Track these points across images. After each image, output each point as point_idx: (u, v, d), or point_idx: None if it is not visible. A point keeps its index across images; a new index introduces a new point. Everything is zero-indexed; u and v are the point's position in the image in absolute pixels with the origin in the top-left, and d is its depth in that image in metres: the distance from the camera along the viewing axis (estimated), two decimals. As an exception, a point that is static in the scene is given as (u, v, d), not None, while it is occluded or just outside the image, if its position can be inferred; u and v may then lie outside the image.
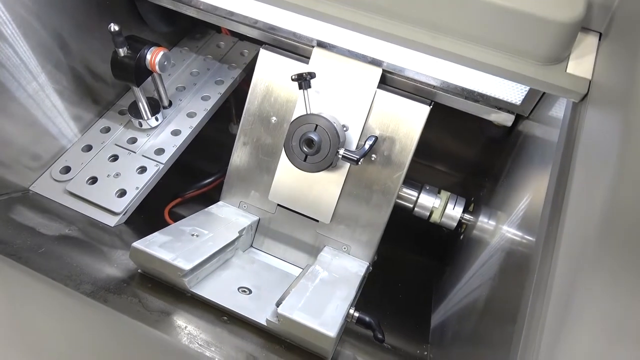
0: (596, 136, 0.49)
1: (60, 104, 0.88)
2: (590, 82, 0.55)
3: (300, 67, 0.82)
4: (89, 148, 0.90)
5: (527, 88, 0.71)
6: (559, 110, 0.62)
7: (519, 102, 0.73)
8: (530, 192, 0.62)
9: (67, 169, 0.87)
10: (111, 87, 0.97)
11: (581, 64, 0.57)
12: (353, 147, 0.81)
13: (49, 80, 0.84)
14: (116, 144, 0.91)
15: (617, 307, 0.37)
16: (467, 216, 0.89)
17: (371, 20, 0.60)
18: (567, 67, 0.57)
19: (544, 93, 0.70)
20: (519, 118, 0.78)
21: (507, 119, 0.78)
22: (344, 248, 0.85)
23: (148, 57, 0.83)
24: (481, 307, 0.65)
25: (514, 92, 0.73)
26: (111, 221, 0.82)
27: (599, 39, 0.59)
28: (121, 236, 0.81)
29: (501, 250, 0.65)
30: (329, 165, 0.76)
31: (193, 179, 1.01)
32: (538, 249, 0.48)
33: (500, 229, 0.69)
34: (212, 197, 0.96)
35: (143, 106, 0.90)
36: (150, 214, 0.91)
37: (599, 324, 0.38)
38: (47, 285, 0.55)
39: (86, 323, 0.54)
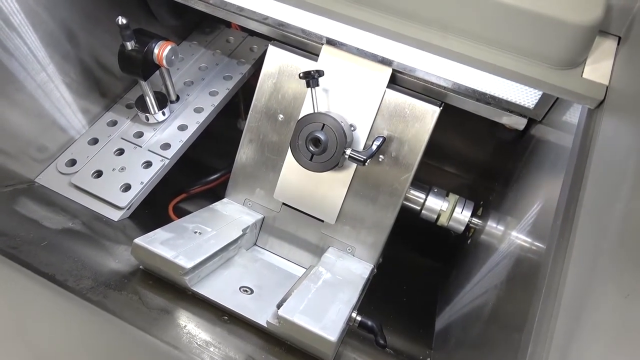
0: (612, 144, 0.47)
1: (69, 96, 0.87)
2: (607, 87, 0.53)
3: (309, 65, 0.80)
4: (95, 141, 0.90)
5: (541, 92, 0.69)
6: (573, 115, 0.60)
7: (532, 106, 0.71)
8: (542, 198, 0.61)
9: (72, 162, 0.86)
10: (119, 81, 0.97)
11: (598, 68, 0.55)
12: (360, 147, 0.79)
13: (57, 71, 0.84)
14: (122, 138, 0.90)
15: (632, 321, 0.36)
16: (475, 220, 0.87)
17: (381, 19, 0.59)
18: (583, 71, 0.55)
19: (558, 97, 0.68)
20: (531, 122, 0.76)
21: (519, 123, 0.76)
22: (349, 249, 0.84)
23: (155, 51, 0.83)
24: (487, 313, 0.64)
25: (527, 96, 0.71)
26: (115, 215, 0.81)
27: (618, 43, 0.57)
28: (125, 231, 0.81)
29: (510, 256, 0.63)
30: (335, 165, 0.75)
31: (200, 175, 1.01)
32: (548, 256, 0.47)
33: (509, 235, 0.67)
34: (217, 193, 0.95)
35: (150, 100, 0.89)
36: (155, 209, 0.91)
37: (612, 337, 0.36)
38: (43, 286, 0.55)
39: (82, 327, 0.53)
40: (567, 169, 0.52)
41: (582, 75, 0.54)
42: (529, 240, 0.58)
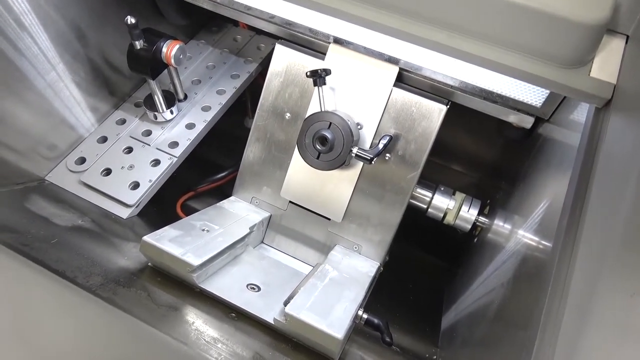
0: (619, 144, 0.47)
1: (78, 94, 0.88)
2: (614, 86, 0.53)
3: (316, 63, 0.81)
4: (104, 139, 0.91)
5: (548, 90, 0.69)
6: (581, 113, 0.60)
7: (539, 105, 0.71)
8: (548, 197, 0.61)
9: (82, 160, 0.87)
10: (128, 79, 0.98)
11: (606, 67, 0.54)
12: (367, 146, 0.80)
13: (67, 70, 0.85)
14: (131, 136, 0.91)
15: (638, 320, 0.36)
16: (481, 219, 0.87)
17: (388, 18, 0.59)
18: (590, 70, 0.54)
19: (565, 96, 0.68)
20: (539, 120, 0.76)
21: (526, 121, 0.76)
22: (355, 247, 0.84)
23: (164, 50, 0.83)
24: (493, 311, 0.64)
25: (534, 94, 0.71)
26: (124, 213, 0.82)
27: (626, 42, 0.57)
28: (133, 228, 0.81)
29: (516, 255, 0.63)
30: (342, 163, 0.75)
31: (207, 173, 1.01)
32: (555, 255, 0.47)
33: (516, 234, 0.67)
34: (225, 191, 0.95)
35: (158, 99, 0.90)
36: (163, 206, 0.92)
37: (618, 335, 0.36)
38: (53, 281, 0.55)
39: (92, 322, 0.54)
40: (574, 168, 0.52)
41: (589, 74, 0.54)
42: (536, 238, 0.58)
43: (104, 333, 0.52)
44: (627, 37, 0.57)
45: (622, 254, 0.38)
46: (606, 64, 0.55)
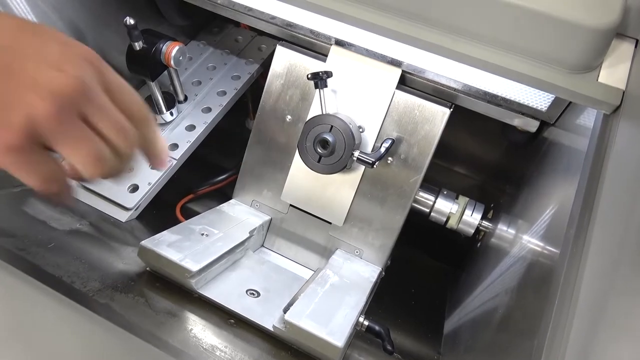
0: (629, 151, 0.45)
1: (77, 96, 0.87)
2: (623, 92, 0.52)
3: (318, 65, 0.80)
4: (103, 141, 0.89)
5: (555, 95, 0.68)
6: (588, 118, 0.59)
7: (544, 109, 0.70)
8: (555, 203, 0.60)
9: (81, 162, 0.86)
10: (127, 81, 0.96)
11: (614, 73, 0.53)
12: (369, 149, 0.78)
13: (65, 71, 0.84)
14: (130, 138, 0.90)
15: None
16: (485, 223, 0.86)
17: (389, 21, 0.58)
18: (598, 76, 0.53)
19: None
20: (544, 124, 0.75)
21: (531, 125, 0.75)
22: (357, 252, 0.83)
23: (163, 51, 0.82)
24: (498, 318, 0.63)
25: (539, 98, 0.69)
26: (123, 216, 0.81)
27: (635, 46, 0.56)
28: (132, 232, 0.81)
29: (521, 261, 0.62)
30: (344, 167, 0.74)
31: (208, 175, 1.00)
32: (562, 264, 0.46)
33: (521, 239, 0.66)
34: (226, 193, 0.94)
35: (158, 101, 0.89)
36: (163, 209, 0.91)
37: (631, 346, 0.35)
38: (48, 295, 0.54)
39: (87, 337, 0.53)
40: (582, 175, 0.51)
41: (597, 80, 0.53)
42: (542, 245, 0.56)
43: (99, 348, 0.51)
44: (637, 41, 0.56)
45: (635, 264, 0.37)
46: (615, 69, 0.53)
